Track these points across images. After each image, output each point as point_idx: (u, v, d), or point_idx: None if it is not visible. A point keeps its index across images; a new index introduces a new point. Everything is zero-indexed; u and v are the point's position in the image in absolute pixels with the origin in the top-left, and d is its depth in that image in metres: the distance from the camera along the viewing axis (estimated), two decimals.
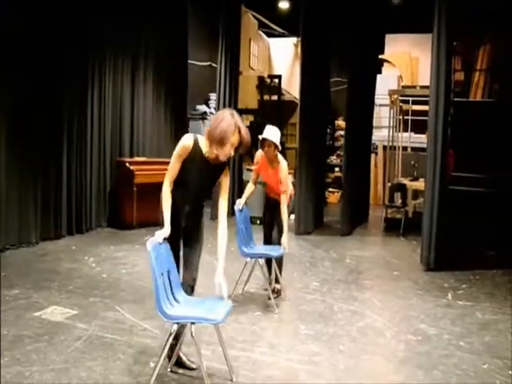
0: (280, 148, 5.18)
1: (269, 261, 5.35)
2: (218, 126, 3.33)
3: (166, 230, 3.34)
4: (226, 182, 3.62)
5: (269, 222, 5.42)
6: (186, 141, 3.45)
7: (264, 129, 5.26)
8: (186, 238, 3.67)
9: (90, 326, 4.41)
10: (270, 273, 5.42)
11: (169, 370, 3.65)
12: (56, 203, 7.59)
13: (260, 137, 5.19)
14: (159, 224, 3.43)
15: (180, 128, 10.62)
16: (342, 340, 4.31)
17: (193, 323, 3.20)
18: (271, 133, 5.15)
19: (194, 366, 3.62)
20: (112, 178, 8.82)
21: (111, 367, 3.66)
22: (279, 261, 5.28)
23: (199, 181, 3.53)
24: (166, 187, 3.46)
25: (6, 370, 3.55)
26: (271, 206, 5.38)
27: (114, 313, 4.74)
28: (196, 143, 3.46)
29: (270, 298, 5.03)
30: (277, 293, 5.27)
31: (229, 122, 3.34)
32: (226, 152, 3.39)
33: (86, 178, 8.23)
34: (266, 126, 5.30)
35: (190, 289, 3.61)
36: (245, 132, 3.41)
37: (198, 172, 3.48)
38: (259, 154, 5.32)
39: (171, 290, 3.38)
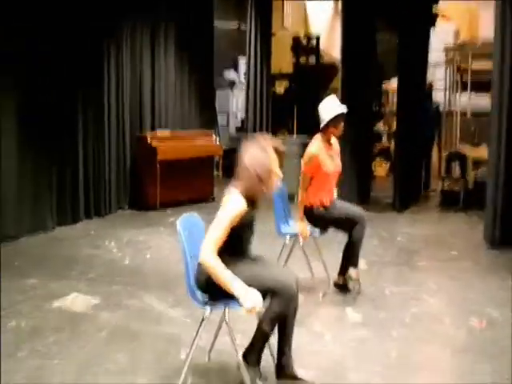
0: None
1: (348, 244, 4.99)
2: (257, 165, 3.27)
3: (254, 296, 3.08)
4: None
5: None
6: (239, 204, 3.22)
7: (321, 101, 4.89)
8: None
9: (114, 315, 4.50)
10: (343, 257, 5.06)
11: (206, 359, 3.71)
12: (72, 185, 7.72)
13: (335, 110, 4.74)
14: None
15: (206, 98, 10.64)
16: (393, 326, 4.30)
17: (227, 308, 3.24)
18: (339, 103, 4.86)
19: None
20: (132, 154, 8.92)
21: (139, 360, 3.74)
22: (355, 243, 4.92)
23: (252, 230, 3.43)
24: (215, 258, 3.12)
25: (27, 362, 3.67)
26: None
27: (139, 301, 4.82)
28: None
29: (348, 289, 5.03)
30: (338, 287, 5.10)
31: (258, 155, 3.31)
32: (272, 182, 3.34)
33: (104, 156, 8.33)
34: (325, 99, 4.89)
35: None
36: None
37: (250, 224, 3.37)
38: (314, 150, 4.78)
39: None
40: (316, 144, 4.84)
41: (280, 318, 3.25)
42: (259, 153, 3.32)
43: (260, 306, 3.08)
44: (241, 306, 3.08)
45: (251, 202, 3.32)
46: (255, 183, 3.26)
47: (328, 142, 4.91)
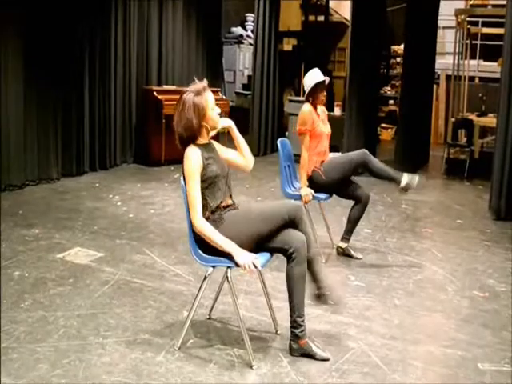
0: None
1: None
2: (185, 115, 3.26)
3: (249, 255, 3.12)
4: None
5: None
6: (191, 154, 3.22)
7: (307, 71, 5.03)
8: None
9: (118, 269, 4.49)
10: (348, 222, 5.03)
11: (207, 317, 3.72)
12: (78, 136, 7.70)
13: (314, 79, 4.87)
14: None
15: (213, 53, 10.50)
16: (397, 294, 4.28)
17: (229, 267, 3.20)
18: (320, 74, 4.95)
19: (325, 355, 3.30)
20: (138, 108, 8.84)
21: (142, 315, 3.73)
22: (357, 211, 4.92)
23: (223, 171, 3.35)
24: (202, 220, 3.17)
25: (29, 314, 3.66)
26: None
27: (142, 256, 4.82)
28: (198, 146, 3.29)
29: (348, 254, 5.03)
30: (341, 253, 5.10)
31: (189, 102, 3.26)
32: (214, 118, 3.34)
33: (110, 109, 8.28)
34: (309, 72, 4.99)
35: None
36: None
37: (218, 166, 3.30)
38: (306, 110, 4.91)
39: None
40: (307, 105, 4.97)
41: (303, 278, 3.23)
42: (191, 95, 3.28)
43: (256, 262, 3.07)
44: (236, 264, 3.10)
45: (204, 145, 3.32)
46: (192, 122, 3.25)
47: (315, 109, 5.00)
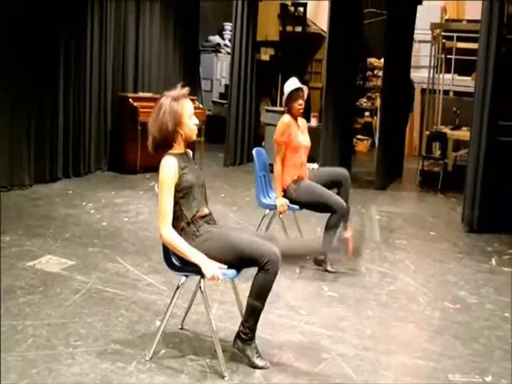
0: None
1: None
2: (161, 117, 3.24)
3: (214, 265, 3.11)
4: None
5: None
6: (168, 163, 3.20)
7: (286, 79, 5.07)
8: None
9: (90, 278, 4.44)
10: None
11: (180, 327, 3.70)
12: (51, 142, 7.61)
13: (290, 87, 4.87)
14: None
15: (190, 61, 10.50)
16: (370, 304, 4.30)
17: (202, 277, 3.17)
18: (296, 82, 4.96)
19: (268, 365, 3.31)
20: (113, 115, 8.78)
21: (113, 324, 3.69)
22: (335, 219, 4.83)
23: (199, 180, 3.34)
24: (171, 230, 3.17)
25: None
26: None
27: (115, 265, 4.77)
28: (174, 155, 3.26)
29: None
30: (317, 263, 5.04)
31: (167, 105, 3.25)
32: (191, 127, 3.29)
33: (85, 115, 8.21)
34: (289, 80, 5.01)
35: None
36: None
37: (194, 175, 3.29)
38: (286, 121, 4.91)
39: None
40: (287, 116, 4.96)
41: (267, 289, 3.16)
42: (169, 100, 3.26)
43: (220, 275, 3.07)
44: (203, 275, 3.09)
45: (180, 154, 3.30)
46: (167, 126, 3.22)
47: (295, 120, 5.00)
